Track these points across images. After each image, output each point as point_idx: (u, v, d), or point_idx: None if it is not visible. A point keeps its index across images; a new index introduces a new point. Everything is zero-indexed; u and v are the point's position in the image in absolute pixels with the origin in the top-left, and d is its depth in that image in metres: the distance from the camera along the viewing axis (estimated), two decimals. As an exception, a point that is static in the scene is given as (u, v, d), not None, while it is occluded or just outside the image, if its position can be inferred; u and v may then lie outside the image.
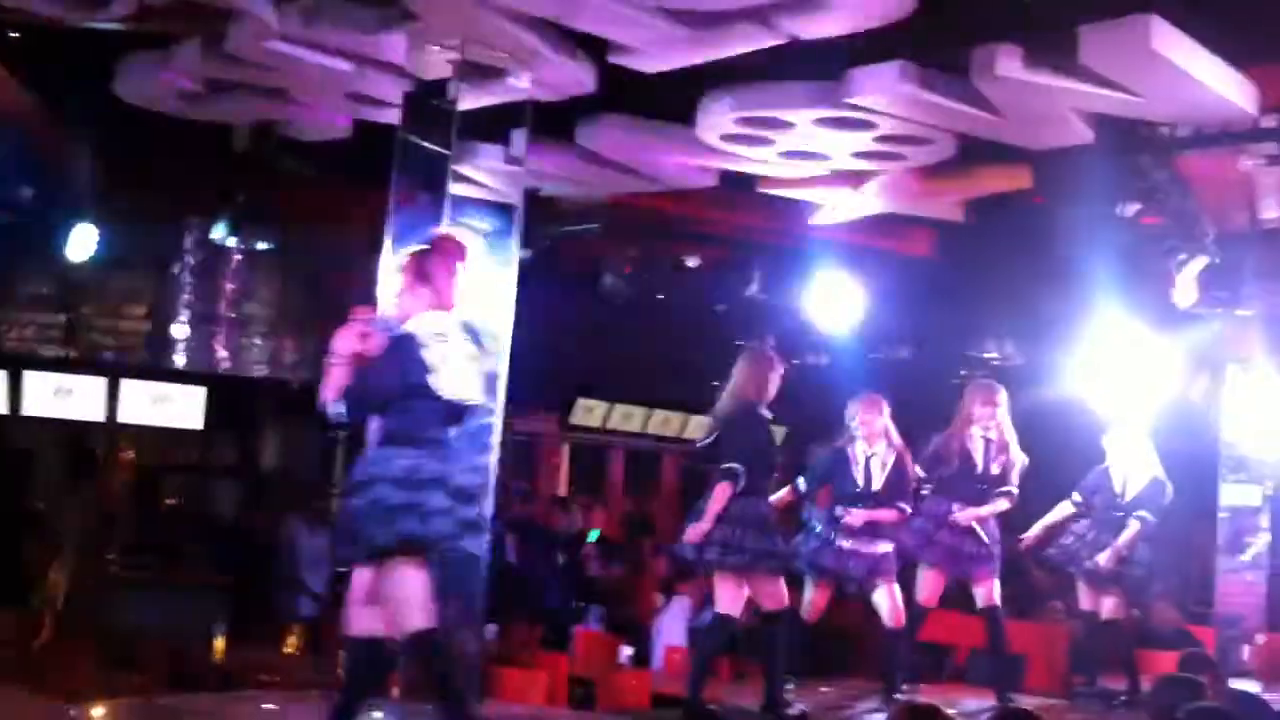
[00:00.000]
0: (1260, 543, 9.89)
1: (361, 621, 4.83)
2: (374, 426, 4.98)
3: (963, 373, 8.65)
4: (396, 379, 4.80)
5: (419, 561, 4.80)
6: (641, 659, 8.76)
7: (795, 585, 7.04)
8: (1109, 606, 8.01)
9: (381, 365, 4.83)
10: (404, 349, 4.83)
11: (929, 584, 7.49)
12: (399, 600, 4.78)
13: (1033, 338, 9.83)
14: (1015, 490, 7.47)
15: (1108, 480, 8.11)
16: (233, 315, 8.29)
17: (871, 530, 7.17)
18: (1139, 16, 5.45)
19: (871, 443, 7.22)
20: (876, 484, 7.22)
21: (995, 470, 7.45)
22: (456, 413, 4.89)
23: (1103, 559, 7.85)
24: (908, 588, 7.48)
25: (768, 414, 6.49)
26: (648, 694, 7.65)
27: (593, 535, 10.86)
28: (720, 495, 6.27)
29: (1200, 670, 6.23)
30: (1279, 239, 8.39)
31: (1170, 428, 8.51)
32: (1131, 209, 7.45)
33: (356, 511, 4.78)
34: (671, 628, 9.46)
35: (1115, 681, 8.12)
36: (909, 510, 7.24)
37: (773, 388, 6.47)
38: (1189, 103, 6.07)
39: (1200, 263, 8.12)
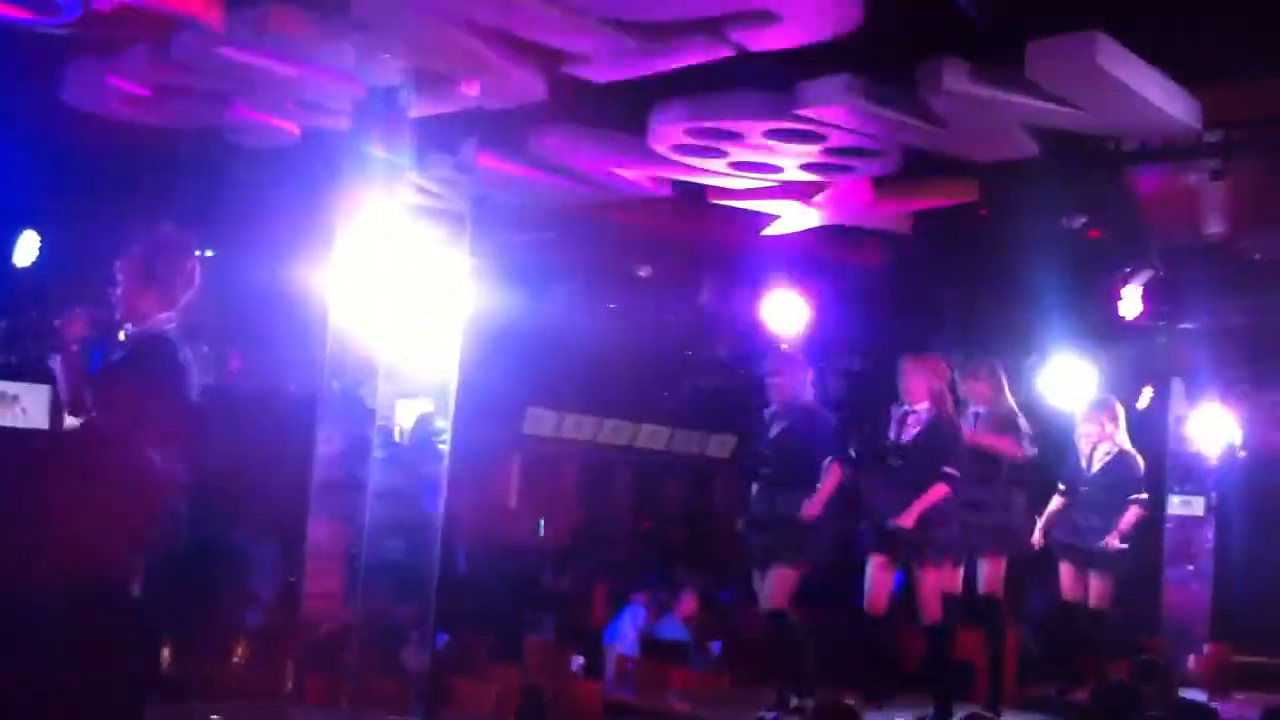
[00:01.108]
0: (1204, 553, 10.03)
1: None
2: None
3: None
4: (149, 382, 4.63)
5: None
6: (593, 669, 8.74)
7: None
8: (1097, 593, 8.03)
9: (130, 368, 4.66)
10: (155, 351, 4.67)
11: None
12: None
13: (981, 348, 9.91)
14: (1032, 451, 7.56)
15: (1075, 458, 8.18)
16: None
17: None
18: (1084, 33, 5.51)
19: (913, 400, 7.16)
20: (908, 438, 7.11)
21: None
22: (198, 413, 4.76)
23: (1106, 541, 7.88)
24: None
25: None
26: (599, 704, 7.64)
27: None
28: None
29: (1149, 678, 6.25)
30: (1223, 253, 8.50)
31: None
32: (1077, 222, 7.53)
33: None
34: (623, 637, 9.45)
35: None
36: (954, 473, 7.04)
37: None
38: (1134, 118, 6.14)
39: (1145, 276, 8.23)
